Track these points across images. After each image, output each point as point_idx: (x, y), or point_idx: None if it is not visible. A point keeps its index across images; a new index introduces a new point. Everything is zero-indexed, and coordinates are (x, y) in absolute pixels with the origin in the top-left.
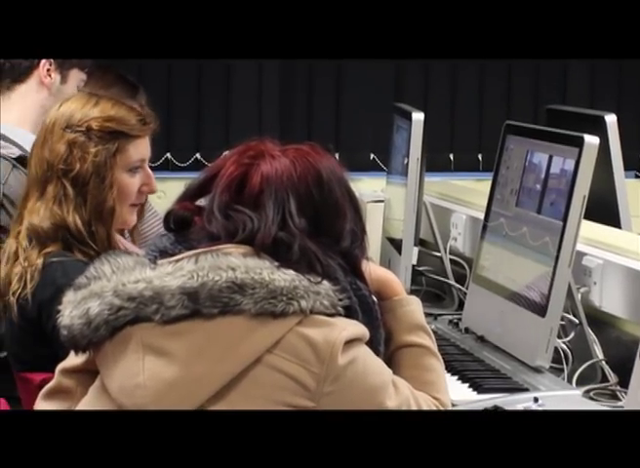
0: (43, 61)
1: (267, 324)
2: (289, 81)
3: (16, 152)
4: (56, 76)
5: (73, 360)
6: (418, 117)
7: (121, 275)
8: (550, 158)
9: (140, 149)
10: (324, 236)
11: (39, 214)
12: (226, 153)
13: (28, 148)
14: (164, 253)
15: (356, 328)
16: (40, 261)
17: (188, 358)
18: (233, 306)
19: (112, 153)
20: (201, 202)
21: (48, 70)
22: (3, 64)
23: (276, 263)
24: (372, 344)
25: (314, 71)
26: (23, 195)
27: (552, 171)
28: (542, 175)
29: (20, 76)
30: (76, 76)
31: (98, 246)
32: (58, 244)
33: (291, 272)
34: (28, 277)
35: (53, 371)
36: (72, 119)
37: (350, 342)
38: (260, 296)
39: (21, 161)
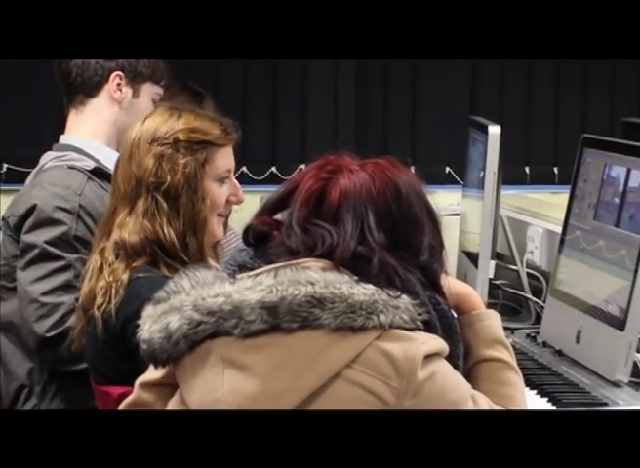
0: (112, 75)
1: (347, 338)
2: (364, 95)
3: (90, 164)
4: (127, 90)
5: (153, 374)
6: (494, 130)
7: (200, 289)
8: (628, 171)
9: (227, 159)
10: (402, 250)
11: (128, 229)
12: (303, 167)
13: (102, 160)
14: (243, 268)
15: (435, 342)
16: (126, 276)
17: (268, 372)
18: (313, 320)
19: (201, 163)
20: (279, 216)
21: (118, 85)
22: (75, 80)
23: (355, 277)
24: (451, 359)
25: (390, 84)
26: (109, 211)
27: (630, 184)
28: (620, 189)
29: (91, 91)
30: (149, 90)
31: (190, 258)
32: (144, 259)
33: (370, 286)
34: (113, 292)
35: (132, 385)
36: (158, 132)
37: (430, 357)
38: (339, 311)
39: (96, 173)
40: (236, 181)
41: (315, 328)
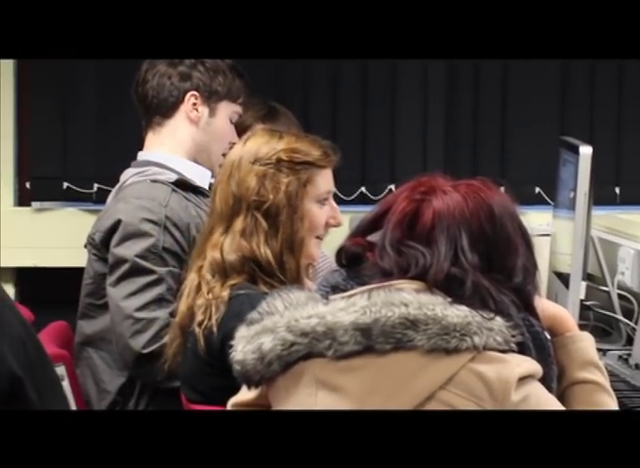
0: (188, 95)
1: (440, 360)
2: (454, 116)
3: (173, 177)
4: (203, 110)
5: (245, 394)
6: (585, 151)
7: (294, 310)
8: None
9: (327, 181)
10: (496, 272)
11: (224, 248)
12: (393, 188)
13: (184, 172)
14: (336, 289)
15: (529, 364)
16: (226, 293)
17: (361, 394)
18: (406, 342)
19: (303, 183)
20: (372, 237)
21: (194, 104)
22: (151, 102)
23: (449, 299)
24: (544, 381)
25: (479, 106)
26: (206, 230)
27: None
28: None
29: (167, 112)
30: (226, 108)
31: (287, 278)
32: (243, 276)
33: (464, 308)
34: (213, 309)
35: (225, 404)
36: (260, 153)
37: (523, 379)
38: (433, 332)
39: (179, 184)
40: (335, 204)
41: (409, 349)
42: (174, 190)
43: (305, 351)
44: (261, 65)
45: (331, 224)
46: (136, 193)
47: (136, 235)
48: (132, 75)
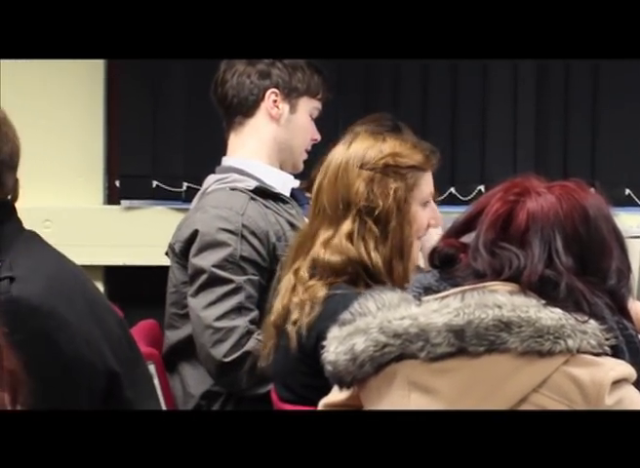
0: (268, 93)
1: (534, 363)
2: (544, 117)
3: (252, 184)
4: (284, 106)
5: (337, 395)
6: None
7: (386, 311)
8: None
9: (429, 183)
10: (590, 274)
11: (329, 249)
12: (482, 188)
13: (264, 179)
14: (428, 290)
15: (623, 368)
16: (322, 293)
17: (454, 396)
18: (499, 344)
19: (410, 188)
20: (466, 239)
21: (274, 102)
22: (231, 102)
23: (542, 301)
24: (638, 385)
25: (570, 108)
26: (309, 232)
27: None
28: None
29: (248, 111)
30: (306, 104)
31: (396, 283)
32: (343, 278)
33: (558, 310)
34: (309, 308)
35: (316, 404)
36: (366, 157)
37: (617, 383)
38: (526, 335)
39: (258, 192)
40: (434, 205)
41: (502, 352)
42: (252, 198)
43: (398, 352)
44: (351, 66)
45: (432, 225)
46: (213, 202)
47: (213, 245)
48: None
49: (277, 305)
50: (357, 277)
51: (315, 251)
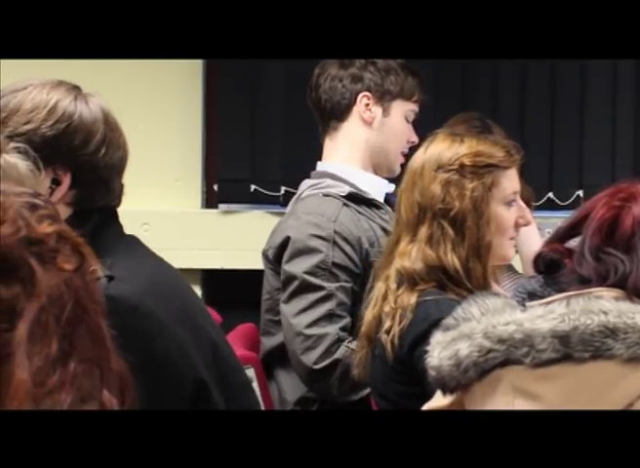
0: (360, 97)
1: (639, 370)
2: None
3: (345, 190)
4: (376, 110)
5: (440, 400)
6: None
7: (490, 317)
8: None
9: (513, 181)
10: None
11: (411, 257)
12: (581, 193)
13: (358, 184)
14: (533, 296)
15: None
16: (413, 301)
17: (559, 402)
18: (605, 351)
19: (488, 187)
20: (570, 244)
21: (367, 105)
22: (325, 106)
23: None
24: None
25: None
26: (392, 239)
27: None
28: None
29: (341, 115)
30: (400, 107)
31: (473, 284)
32: (430, 284)
33: None
34: (399, 316)
35: None
36: (442, 159)
37: None
38: (632, 341)
39: (352, 198)
40: (522, 203)
41: (607, 358)
42: (345, 204)
43: (502, 358)
44: (449, 68)
45: (520, 224)
46: (306, 208)
47: (304, 252)
48: None
49: (368, 315)
50: (443, 284)
51: (397, 260)
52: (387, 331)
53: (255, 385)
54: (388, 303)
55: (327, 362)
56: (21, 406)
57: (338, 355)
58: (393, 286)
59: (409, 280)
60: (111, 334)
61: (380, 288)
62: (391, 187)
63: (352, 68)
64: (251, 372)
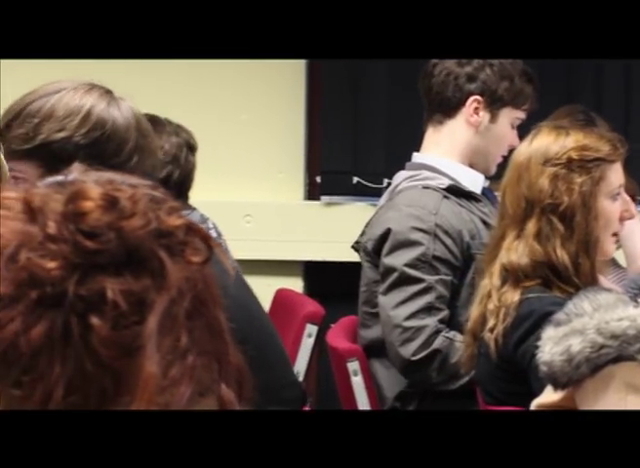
0: (470, 100)
1: None
2: None
3: (445, 182)
4: (484, 115)
5: (550, 396)
6: None
7: (603, 312)
8: None
9: (618, 174)
10: None
11: (517, 252)
12: None
13: (457, 178)
14: None
15: None
16: (517, 298)
17: None
18: None
19: (596, 181)
20: None
21: (476, 109)
22: (435, 97)
23: None
24: None
25: None
26: (497, 235)
27: None
28: None
29: (448, 111)
30: (509, 115)
31: (581, 280)
32: (535, 281)
33: None
34: (502, 314)
35: (522, 407)
36: (549, 153)
37: None
38: None
39: (452, 190)
40: (627, 196)
41: None
42: (445, 196)
43: (615, 354)
44: (552, 66)
45: (625, 218)
46: (406, 201)
47: (405, 244)
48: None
49: (474, 312)
50: (549, 280)
51: (503, 255)
52: (491, 330)
53: (359, 379)
54: (492, 301)
55: (425, 353)
56: (151, 399)
57: (436, 345)
58: (497, 283)
59: (513, 276)
60: (229, 327)
61: (484, 285)
62: (486, 182)
63: (468, 67)
64: (355, 365)
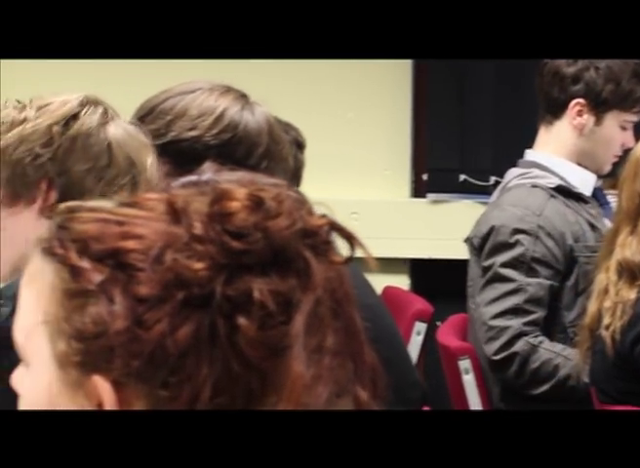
0: (573, 102)
1: None
2: None
3: (554, 182)
4: (589, 118)
5: None
6: None
7: None
8: None
9: None
10: None
11: (631, 248)
12: None
13: (567, 177)
14: None
15: None
16: (633, 296)
17: None
18: None
19: None
20: None
21: (579, 112)
22: (544, 97)
23: None
24: None
25: None
26: (612, 230)
27: None
28: None
29: (555, 112)
30: (616, 117)
31: None
32: None
33: None
34: (619, 311)
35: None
36: None
37: None
38: None
39: (560, 190)
40: None
41: None
42: (552, 196)
43: None
44: None
45: None
46: (512, 200)
47: (505, 245)
48: (529, 68)
49: (591, 308)
50: None
51: (618, 251)
52: (607, 327)
53: (470, 377)
54: (609, 297)
55: (504, 354)
56: (299, 400)
57: (516, 348)
58: (614, 278)
59: (629, 273)
60: (364, 326)
61: (600, 280)
62: (599, 182)
63: (573, 68)
64: (466, 363)
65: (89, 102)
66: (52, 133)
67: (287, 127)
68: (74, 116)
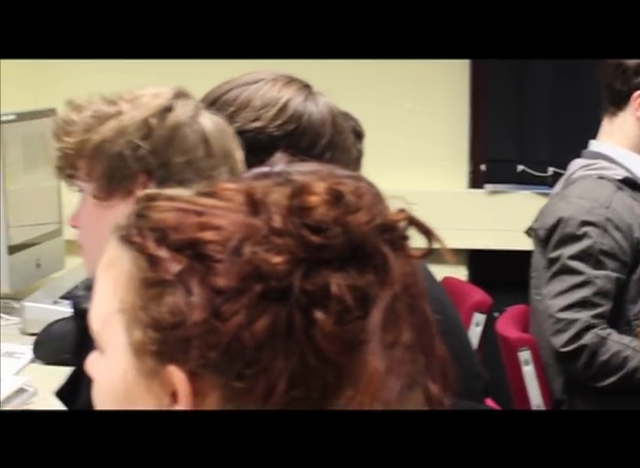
0: (636, 94)
1: None
2: None
3: (620, 173)
4: None
5: None
6: None
7: None
8: None
9: None
10: None
11: None
12: None
13: (634, 169)
14: None
15: None
16: None
17: None
18: None
19: None
20: None
21: None
22: (607, 88)
23: None
24: None
25: None
26: None
27: None
28: None
29: (618, 104)
30: None
31: None
32: None
33: None
34: None
35: None
36: None
37: None
38: None
39: (627, 182)
40: None
41: None
42: (619, 188)
43: None
44: None
45: None
46: (579, 192)
47: (572, 237)
48: (586, 61)
49: None
50: None
51: None
52: None
53: (530, 368)
54: None
55: (573, 346)
56: (375, 394)
57: (585, 341)
58: None
59: None
60: (436, 320)
61: None
62: None
63: (636, 60)
64: (526, 355)
65: (180, 95)
66: (149, 125)
67: (345, 116)
68: (169, 108)
